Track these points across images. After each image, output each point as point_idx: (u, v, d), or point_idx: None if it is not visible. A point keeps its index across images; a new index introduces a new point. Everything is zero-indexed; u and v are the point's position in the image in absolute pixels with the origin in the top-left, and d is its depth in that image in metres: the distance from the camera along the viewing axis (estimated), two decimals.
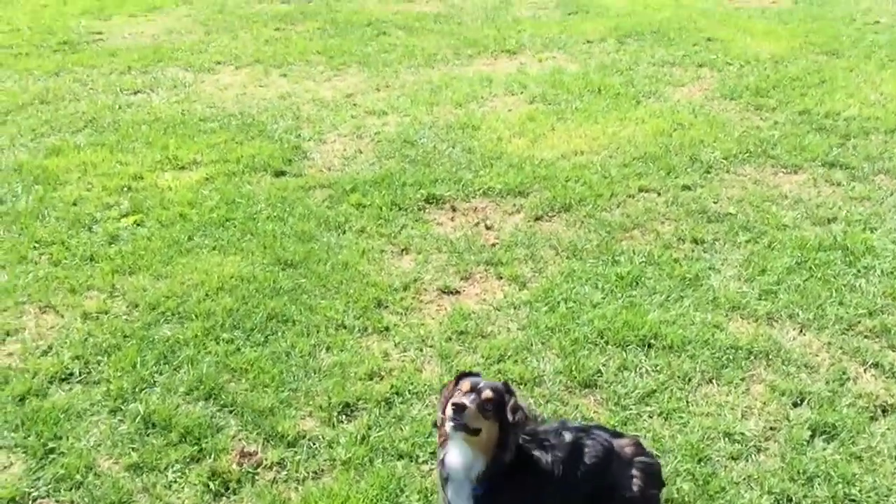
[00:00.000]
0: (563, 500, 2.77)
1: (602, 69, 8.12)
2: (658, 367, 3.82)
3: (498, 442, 2.60)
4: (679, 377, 3.76)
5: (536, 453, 2.71)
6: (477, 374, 2.74)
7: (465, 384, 2.64)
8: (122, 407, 3.54)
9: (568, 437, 2.79)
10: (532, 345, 3.98)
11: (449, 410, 2.53)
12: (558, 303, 4.31)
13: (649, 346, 3.96)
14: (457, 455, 2.62)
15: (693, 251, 4.82)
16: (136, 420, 3.45)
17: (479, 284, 4.57)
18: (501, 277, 4.61)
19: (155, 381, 3.70)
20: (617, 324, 4.09)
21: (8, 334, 4.05)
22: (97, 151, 6.21)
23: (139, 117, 6.99)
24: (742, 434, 3.43)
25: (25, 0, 11.45)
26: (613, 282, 4.49)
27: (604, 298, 4.35)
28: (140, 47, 9.12)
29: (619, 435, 2.97)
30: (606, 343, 3.98)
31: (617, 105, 7.12)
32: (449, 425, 2.54)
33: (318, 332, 4.09)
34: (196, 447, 3.33)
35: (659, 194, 5.52)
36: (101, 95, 7.56)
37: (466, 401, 2.54)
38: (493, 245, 4.95)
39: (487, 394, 2.59)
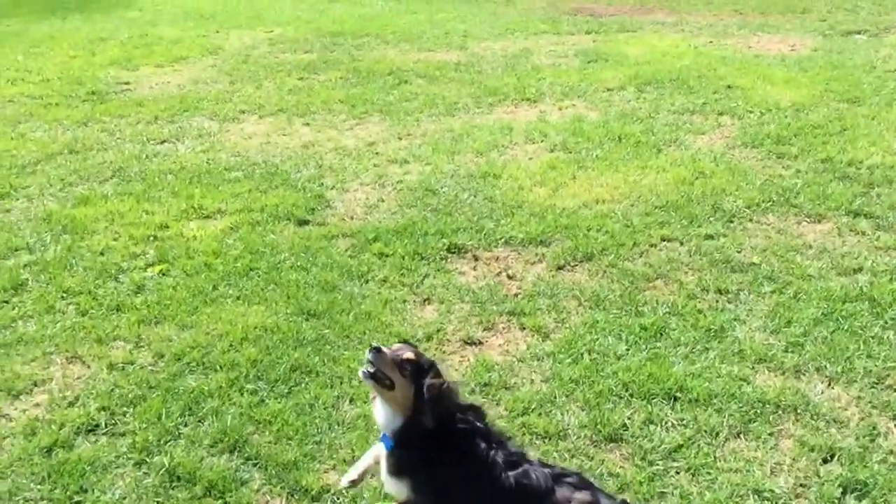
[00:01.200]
0: (478, 496, 2.76)
1: (622, 117, 8.18)
2: (684, 421, 3.78)
3: (414, 405, 2.72)
4: (706, 431, 3.72)
5: (482, 445, 2.77)
6: (414, 346, 2.93)
7: (398, 344, 2.90)
8: (148, 459, 3.55)
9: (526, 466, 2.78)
10: (556, 397, 3.96)
11: (368, 353, 2.73)
12: (582, 354, 4.29)
13: (675, 399, 3.92)
14: (379, 408, 2.84)
15: (717, 302, 4.79)
16: (161, 473, 3.46)
17: (501, 335, 4.56)
18: (524, 328, 4.61)
19: (180, 433, 3.71)
20: (642, 376, 4.06)
21: (35, 385, 4.09)
22: (124, 201, 6.32)
23: (165, 166, 7.10)
24: (772, 491, 3.38)
25: (55, 51, 11.75)
26: (637, 333, 4.47)
27: (628, 350, 4.33)
28: (166, 97, 9.31)
29: (583, 488, 2.82)
30: (631, 396, 3.95)
31: (637, 153, 7.16)
32: (362, 369, 2.76)
33: (341, 383, 4.09)
34: (220, 501, 3.32)
35: (682, 243, 5.51)
36: (128, 145, 7.71)
37: (386, 349, 2.74)
38: (516, 295, 4.96)
39: (409, 355, 2.78)
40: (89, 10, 15.37)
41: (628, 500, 3.14)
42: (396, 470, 2.83)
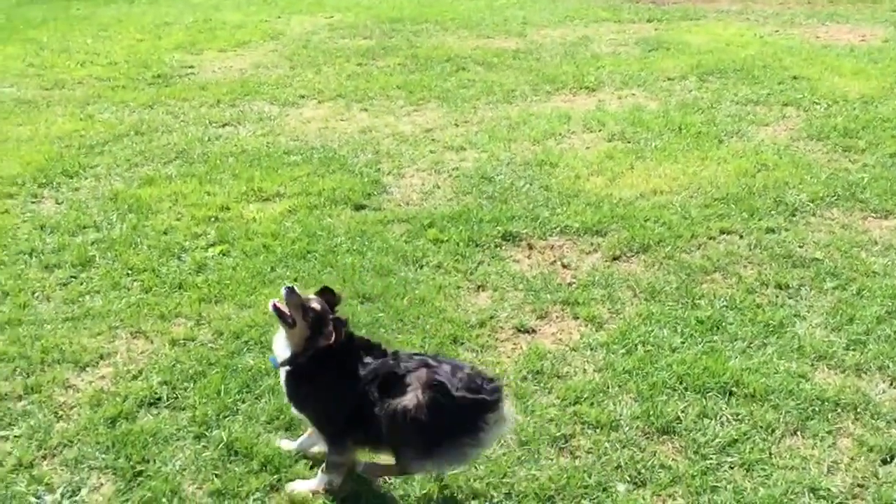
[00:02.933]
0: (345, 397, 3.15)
1: (683, 107, 8.05)
2: (739, 416, 3.73)
3: (304, 346, 3.14)
4: (762, 427, 3.66)
5: (352, 357, 3.18)
6: (337, 295, 3.30)
7: (315, 294, 3.27)
8: (206, 433, 3.65)
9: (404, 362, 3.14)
10: (609, 388, 3.94)
11: (283, 290, 3.13)
12: (636, 346, 4.27)
13: (730, 393, 3.87)
14: (279, 339, 3.26)
15: (777, 297, 4.70)
16: (219, 447, 3.55)
17: (555, 324, 4.56)
18: (578, 317, 4.59)
19: (237, 409, 3.80)
20: (697, 369, 4.02)
21: (101, 358, 4.23)
22: (187, 182, 6.46)
23: (227, 149, 7.24)
24: (828, 490, 3.32)
25: (123, 35, 12.04)
26: (693, 326, 4.42)
27: (683, 343, 4.28)
28: (229, 81, 9.48)
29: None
30: (685, 389, 3.92)
31: (698, 144, 7.04)
32: (273, 300, 3.16)
33: None
34: (276, 476, 3.41)
35: (741, 237, 5.42)
36: (191, 127, 7.87)
37: (299, 293, 3.12)
38: (570, 284, 4.94)
39: (315, 305, 3.16)
40: None
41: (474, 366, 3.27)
42: (291, 394, 3.28)
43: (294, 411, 3.38)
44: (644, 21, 12.35)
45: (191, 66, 10.20)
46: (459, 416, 2.97)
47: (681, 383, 3.95)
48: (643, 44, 10.76)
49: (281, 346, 3.27)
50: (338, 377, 3.18)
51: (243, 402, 3.85)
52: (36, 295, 4.83)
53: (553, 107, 8.29)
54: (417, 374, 3.07)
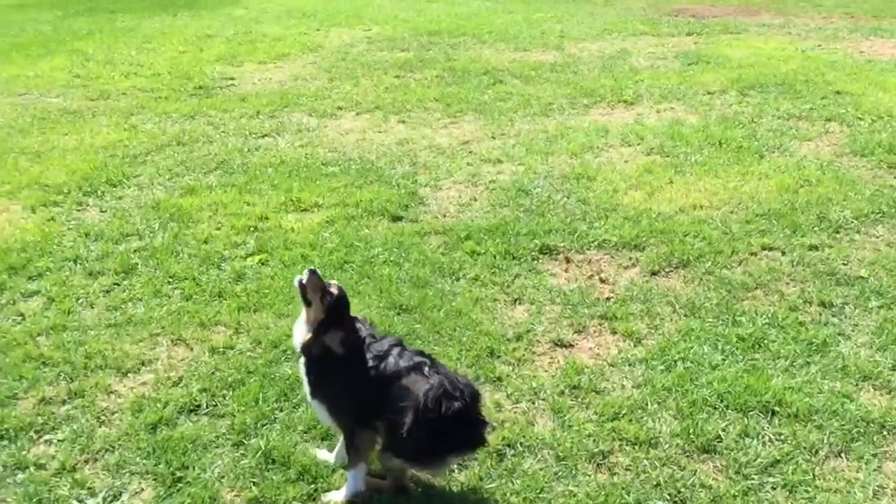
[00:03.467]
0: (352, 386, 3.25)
1: (723, 121, 7.97)
2: (782, 436, 3.67)
3: (317, 327, 3.24)
4: (805, 448, 3.59)
5: (369, 359, 3.26)
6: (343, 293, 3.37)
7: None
8: (245, 441, 3.67)
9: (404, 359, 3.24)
10: (647, 404, 3.90)
11: (306, 271, 3.26)
12: (675, 362, 4.22)
13: (773, 413, 3.81)
14: (299, 324, 3.37)
15: (820, 315, 4.62)
16: (257, 455, 3.58)
17: (592, 339, 4.53)
18: (616, 332, 4.55)
19: (275, 418, 3.82)
20: (738, 388, 3.96)
21: (143, 364, 4.29)
22: (227, 192, 6.54)
23: (266, 160, 7.32)
24: None
25: (166, 47, 12.26)
26: (734, 343, 4.36)
27: (724, 360, 4.22)
28: (268, 93, 9.60)
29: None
30: (726, 407, 3.86)
31: (739, 159, 6.97)
32: (298, 278, 3.28)
33: None
34: (313, 486, 3.42)
35: (783, 253, 5.34)
36: (231, 138, 7.98)
37: (320, 279, 3.25)
38: (608, 299, 4.90)
39: (336, 291, 3.30)
40: (198, 8, 15.98)
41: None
42: (310, 383, 3.35)
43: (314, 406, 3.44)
44: (683, 35, 12.27)
45: (231, 78, 10.35)
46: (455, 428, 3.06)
47: (722, 401, 3.89)
48: (682, 57, 10.69)
49: (301, 334, 3.36)
50: (350, 367, 3.27)
51: (281, 410, 3.87)
52: (80, 301, 4.91)
53: (591, 120, 8.26)
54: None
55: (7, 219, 6.09)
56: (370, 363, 3.25)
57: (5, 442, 3.71)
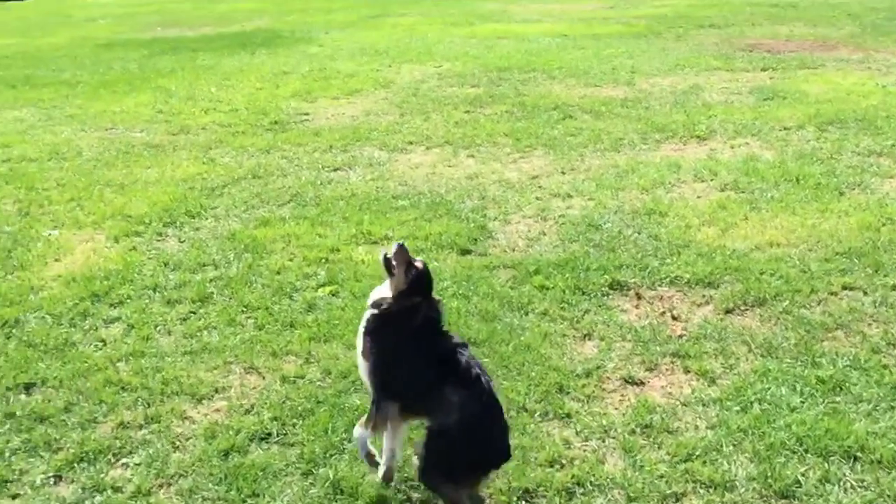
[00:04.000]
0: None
1: (800, 157, 7.79)
2: (865, 483, 3.51)
3: (397, 294, 3.32)
4: (889, 496, 3.44)
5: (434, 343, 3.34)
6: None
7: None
8: (314, 471, 3.71)
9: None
10: (722, 446, 3.79)
11: (395, 245, 3.34)
12: (751, 403, 4.09)
13: (855, 458, 3.66)
14: (380, 287, 3.48)
15: None
16: (326, 485, 3.60)
17: (664, 377, 4.43)
18: (689, 371, 4.45)
19: (344, 449, 3.85)
20: (818, 431, 3.82)
21: (216, 391, 4.38)
22: (300, 224, 6.68)
23: (337, 193, 7.46)
24: None
25: (244, 84, 12.68)
26: (814, 385, 4.21)
27: (803, 402, 4.08)
28: (341, 127, 9.81)
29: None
30: (806, 451, 3.72)
31: (817, 196, 6.78)
32: (383, 251, 3.38)
33: None
34: None
35: (865, 293, 5.16)
36: (304, 171, 8.16)
37: (407, 252, 3.33)
38: (681, 336, 4.81)
39: (421, 267, 3.36)
40: (275, 46, 16.49)
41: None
42: (366, 337, 3.42)
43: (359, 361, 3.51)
44: (758, 70, 12.09)
45: (306, 113, 10.62)
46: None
47: (801, 445, 3.76)
48: (757, 92, 10.52)
49: (379, 289, 3.49)
50: (411, 340, 3.34)
51: (349, 441, 3.88)
52: (158, 328, 5.07)
53: (662, 155, 8.18)
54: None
55: (92, 248, 6.34)
56: (432, 348, 3.32)
57: (84, 464, 3.82)
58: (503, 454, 3.29)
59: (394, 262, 3.33)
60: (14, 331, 5.06)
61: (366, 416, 3.48)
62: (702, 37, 15.47)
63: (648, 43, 15.09)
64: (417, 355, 3.33)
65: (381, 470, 3.55)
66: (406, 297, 3.32)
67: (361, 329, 3.48)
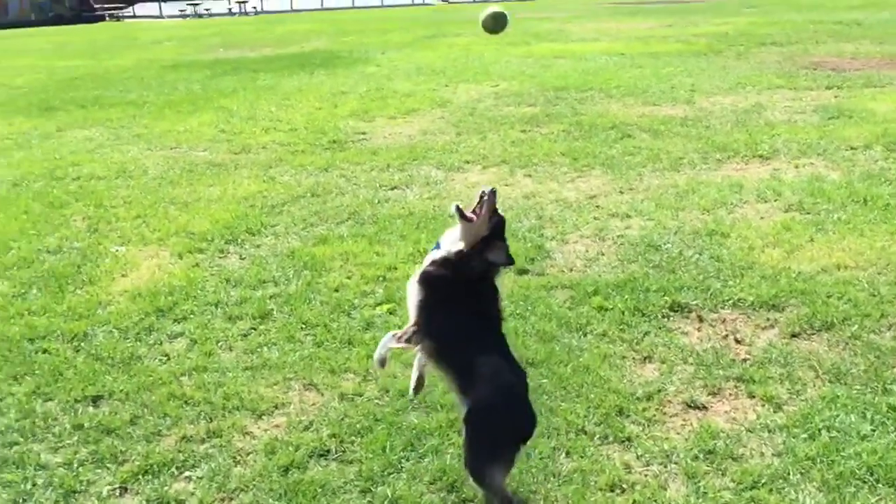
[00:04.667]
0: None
1: (868, 178, 7.58)
2: None
3: (480, 239, 3.37)
4: None
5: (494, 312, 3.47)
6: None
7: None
8: (372, 489, 3.71)
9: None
10: (789, 474, 3.68)
11: (487, 188, 3.41)
12: (819, 430, 3.97)
13: None
14: (452, 231, 3.49)
15: None
16: (384, 503, 3.60)
17: (728, 402, 4.33)
18: (754, 396, 4.34)
19: (402, 467, 3.85)
20: (890, 461, 3.68)
21: (276, 407, 4.43)
22: (357, 242, 6.74)
23: (395, 211, 7.51)
24: None
25: (303, 103, 12.91)
26: (885, 413, 4.06)
27: (873, 431, 3.94)
28: (398, 146, 9.89)
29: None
30: (877, 481, 3.59)
31: (887, 217, 6.58)
32: (455, 203, 3.42)
33: (557, 434, 4.06)
34: None
35: None
36: (362, 190, 8.25)
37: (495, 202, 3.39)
38: (744, 360, 4.70)
39: (501, 217, 3.42)
40: (333, 66, 16.78)
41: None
42: (423, 275, 3.47)
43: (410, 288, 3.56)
44: (822, 88, 11.84)
45: (363, 133, 10.75)
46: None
47: (871, 475, 3.62)
48: (822, 111, 10.29)
49: (449, 239, 3.50)
50: (471, 292, 3.40)
51: (407, 460, 3.90)
52: (220, 344, 5.15)
53: (724, 175, 8.05)
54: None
55: (157, 264, 6.50)
56: (486, 301, 3.42)
57: (149, 476, 3.89)
58: (534, 421, 3.39)
59: (481, 209, 3.37)
60: (83, 344, 5.20)
61: (402, 331, 3.54)
62: (764, 55, 15.24)
63: (708, 61, 14.92)
64: (469, 307, 3.40)
65: (413, 378, 3.68)
66: (487, 244, 3.37)
67: (427, 260, 3.53)
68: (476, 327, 3.41)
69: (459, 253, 3.40)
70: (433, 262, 3.47)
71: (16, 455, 4.07)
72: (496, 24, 4.06)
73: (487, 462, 3.22)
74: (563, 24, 21.61)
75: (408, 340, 3.47)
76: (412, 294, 3.52)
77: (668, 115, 10.68)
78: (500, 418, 3.21)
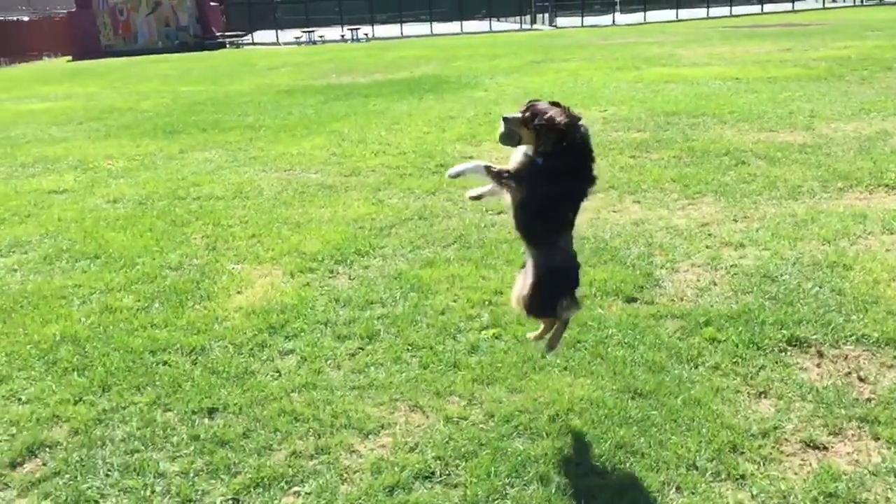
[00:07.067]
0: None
1: None
2: None
3: (539, 148, 3.97)
4: None
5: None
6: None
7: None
8: None
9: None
10: None
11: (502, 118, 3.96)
12: None
13: None
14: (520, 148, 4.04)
15: None
16: None
17: (850, 442, 4.11)
18: (879, 438, 4.10)
19: (507, 494, 3.82)
20: None
21: (382, 427, 4.49)
22: (464, 266, 6.78)
23: (501, 236, 7.52)
24: None
25: (412, 127, 13.15)
26: None
27: None
28: None
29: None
30: None
31: None
32: (507, 121, 4.00)
33: (667, 468, 3.95)
34: None
35: None
36: (469, 214, 8.30)
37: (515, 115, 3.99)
38: (868, 400, 4.45)
39: (562, 119, 3.90)
40: (441, 91, 17.03)
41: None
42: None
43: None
44: None
45: (471, 157, 10.79)
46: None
47: None
48: None
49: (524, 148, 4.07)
50: (560, 173, 4.03)
51: (512, 486, 3.87)
52: (328, 362, 5.27)
53: (846, 204, 7.69)
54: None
55: (270, 282, 6.72)
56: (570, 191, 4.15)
57: (260, 489, 4.01)
58: (579, 281, 4.29)
59: (511, 122, 3.98)
60: (200, 357, 5.42)
61: (497, 168, 4.08)
62: (889, 79, 14.52)
63: (829, 86, 14.33)
64: (559, 184, 4.03)
65: (479, 191, 4.37)
66: (546, 144, 3.94)
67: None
68: (562, 201, 4.11)
69: (536, 154, 3.94)
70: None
71: (137, 462, 4.27)
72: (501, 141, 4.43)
73: (558, 299, 4.21)
74: (674, 49, 21.24)
75: (498, 176, 3.99)
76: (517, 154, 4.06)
77: (786, 141, 10.30)
78: (566, 279, 4.21)
